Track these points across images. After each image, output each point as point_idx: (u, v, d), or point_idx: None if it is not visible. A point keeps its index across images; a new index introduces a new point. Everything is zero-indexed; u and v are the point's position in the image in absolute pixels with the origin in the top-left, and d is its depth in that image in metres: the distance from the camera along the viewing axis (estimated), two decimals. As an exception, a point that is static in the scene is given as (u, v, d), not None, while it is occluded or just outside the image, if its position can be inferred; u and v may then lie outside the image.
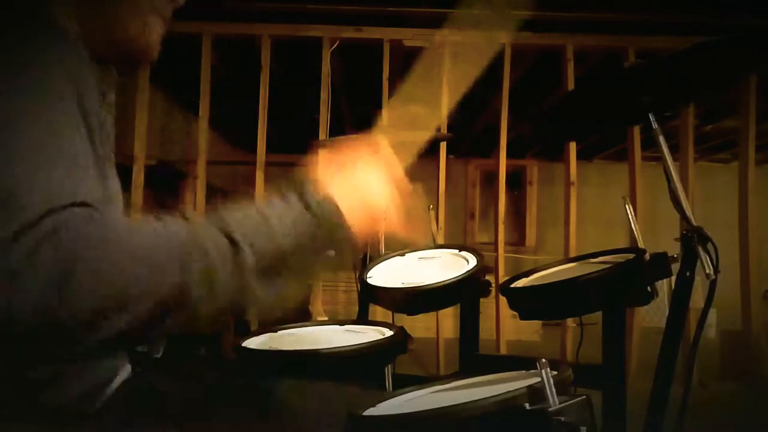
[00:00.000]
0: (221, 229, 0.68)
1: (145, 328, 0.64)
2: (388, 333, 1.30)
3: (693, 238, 1.24)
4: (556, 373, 0.75)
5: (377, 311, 1.87)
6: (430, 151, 5.54)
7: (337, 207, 0.75)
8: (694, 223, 1.26)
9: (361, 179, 0.80)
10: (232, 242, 0.67)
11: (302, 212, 0.73)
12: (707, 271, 1.22)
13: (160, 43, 0.91)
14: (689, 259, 1.25)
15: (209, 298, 0.65)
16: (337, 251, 0.77)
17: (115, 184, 0.86)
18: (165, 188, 4.80)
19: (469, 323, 1.65)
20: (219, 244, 0.67)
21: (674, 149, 2.94)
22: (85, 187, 0.66)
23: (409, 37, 3.81)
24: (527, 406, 0.71)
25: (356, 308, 1.83)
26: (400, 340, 1.27)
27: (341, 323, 1.47)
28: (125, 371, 0.89)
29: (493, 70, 3.90)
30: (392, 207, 0.82)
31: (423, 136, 1.11)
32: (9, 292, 0.59)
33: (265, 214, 0.72)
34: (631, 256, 1.37)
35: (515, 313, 1.47)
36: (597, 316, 1.40)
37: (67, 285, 0.59)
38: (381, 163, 0.83)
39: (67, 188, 0.64)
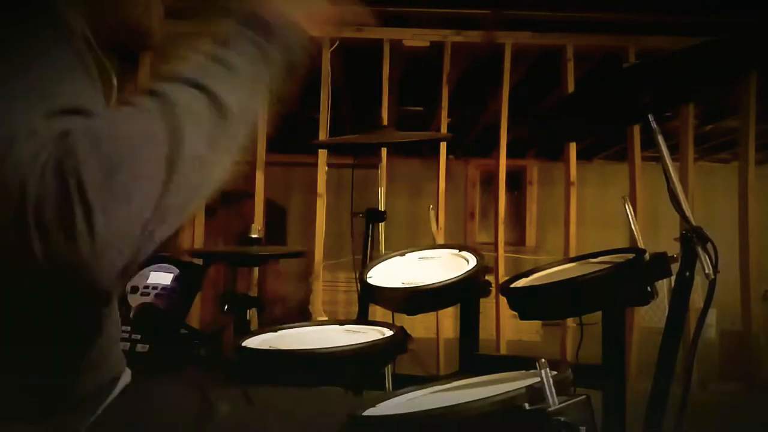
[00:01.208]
0: (190, 83, 0.67)
1: (167, 211, 0.62)
2: (388, 333, 1.30)
3: (692, 238, 1.24)
4: (555, 373, 0.75)
5: (377, 311, 1.87)
6: (430, 151, 5.55)
7: (288, 18, 0.74)
8: (694, 223, 1.26)
9: None
10: (205, 91, 0.66)
11: (257, 43, 0.72)
12: (707, 271, 1.22)
13: (160, 30, 0.90)
14: (689, 259, 1.25)
15: (205, 149, 0.65)
16: (294, 52, 0.76)
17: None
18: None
19: (469, 323, 1.65)
20: (192, 96, 0.66)
21: (674, 149, 2.95)
22: (79, 104, 0.65)
23: (409, 37, 3.82)
24: (527, 406, 0.71)
25: (356, 308, 1.83)
26: (400, 340, 1.27)
27: (341, 323, 1.47)
28: (127, 375, 0.89)
29: (494, 70, 3.91)
30: None
31: None
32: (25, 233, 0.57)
33: (219, 57, 0.70)
34: (631, 256, 1.37)
35: (515, 313, 1.47)
36: (597, 316, 1.40)
37: (85, 210, 0.57)
38: None
39: (62, 112, 0.62)
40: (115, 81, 0.84)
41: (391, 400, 0.93)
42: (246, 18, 0.73)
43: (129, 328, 1.39)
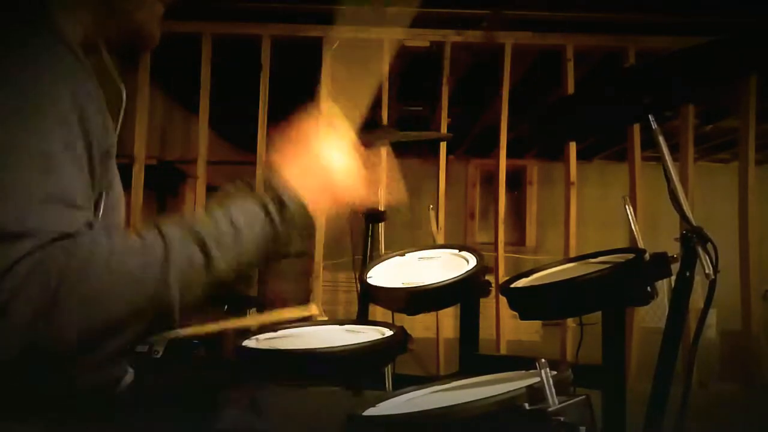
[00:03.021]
0: (196, 241, 0.72)
1: (128, 337, 0.70)
2: (388, 333, 1.30)
3: (693, 238, 1.24)
4: (555, 373, 0.75)
5: (377, 311, 1.87)
6: (430, 151, 5.55)
7: (304, 206, 0.79)
8: (694, 223, 1.26)
9: (320, 159, 0.82)
10: (206, 254, 0.72)
11: (269, 221, 0.78)
12: (707, 271, 1.21)
13: (160, 30, 0.93)
14: (689, 259, 1.25)
15: (183, 303, 0.71)
16: (303, 239, 0.82)
17: (116, 183, 0.87)
18: (165, 188, 4.80)
19: (469, 323, 1.65)
20: (194, 257, 0.72)
21: (674, 149, 2.94)
22: (76, 216, 0.70)
23: (409, 37, 3.81)
24: (527, 406, 0.71)
25: (356, 308, 1.83)
26: (400, 340, 1.27)
27: (341, 323, 1.47)
28: (129, 375, 0.89)
29: (494, 70, 3.91)
30: (354, 176, 0.84)
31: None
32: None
33: (236, 225, 0.75)
34: (631, 256, 1.37)
35: (515, 313, 1.47)
36: (597, 316, 1.40)
37: (55, 313, 0.63)
38: (333, 134, 0.85)
39: (55, 222, 0.67)
40: (122, 86, 0.86)
41: (391, 400, 0.93)
42: (266, 190, 0.79)
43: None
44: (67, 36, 0.79)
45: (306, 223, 0.80)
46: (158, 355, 0.96)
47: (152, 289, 0.68)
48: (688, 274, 1.25)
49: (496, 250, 3.93)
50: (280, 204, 0.78)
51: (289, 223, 0.78)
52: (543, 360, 0.71)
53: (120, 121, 0.92)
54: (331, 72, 3.45)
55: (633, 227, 1.44)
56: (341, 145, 0.84)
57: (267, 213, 0.77)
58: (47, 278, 0.63)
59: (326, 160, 0.82)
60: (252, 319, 1.16)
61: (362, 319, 1.68)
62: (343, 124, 0.87)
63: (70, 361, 0.68)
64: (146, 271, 0.69)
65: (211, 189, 3.92)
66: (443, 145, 3.86)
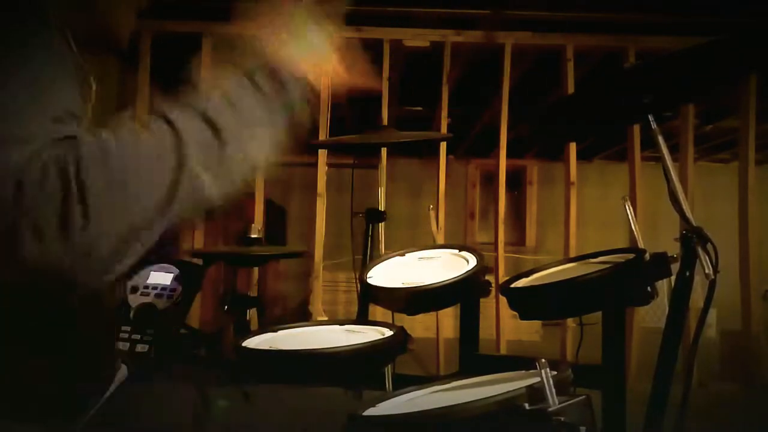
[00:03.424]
0: (201, 117, 0.72)
1: (167, 221, 0.68)
2: (388, 333, 1.30)
3: (693, 239, 1.23)
4: (555, 373, 0.75)
5: (377, 311, 1.87)
6: (430, 151, 5.55)
7: (296, 78, 0.79)
8: (694, 223, 1.26)
9: (300, 34, 0.82)
10: (214, 127, 0.71)
11: (267, 96, 0.77)
12: (707, 271, 1.21)
13: (130, 32, 0.93)
14: (689, 259, 1.24)
15: (205, 175, 0.70)
16: (300, 107, 0.81)
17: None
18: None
19: (469, 323, 1.65)
20: (204, 133, 0.71)
21: (674, 149, 2.95)
22: (71, 124, 0.68)
23: (409, 37, 3.82)
24: (527, 406, 0.71)
25: (356, 308, 1.83)
26: (400, 340, 1.27)
27: (341, 323, 1.47)
28: (122, 373, 0.89)
29: (494, 70, 3.91)
30: (329, 48, 0.85)
31: None
32: (12, 246, 0.59)
33: (236, 103, 0.75)
34: (631, 256, 1.37)
35: (515, 313, 1.47)
36: (597, 316, 1.40)
37: (84, 198, 0.61)
38: (305, 12, 0.85)
39: (53, 128, 0.65)
40: (93, 83, 0.85)
41: (391, 400, 0.93)
42: (259, 67, 0.78)
43: (129, 328, 1.39)
44: (54, 19, 0.80)
45: (302, 91, 0.80)
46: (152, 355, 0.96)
47: (174, 165, 0.67)
48: (688, 274, 1.25)
49: (496, 250, 3.93)
50: (271, 74, 0.78)
51: (285, 91, 0.78)
52: (543, 360, 0.72)
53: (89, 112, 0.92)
54: None
55: (633, 227, 1.44)
56: (317, 19, 0.85)
57: (256, 84, 0.77)
58: (64, 168, 0.61)
59: (311, 33, 0.83)
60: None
61: (362, 319, 1.68)
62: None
63: (103, 270, 0.64)
64: (161, 147, 0.68)
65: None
66: (443, 145, 3.87)
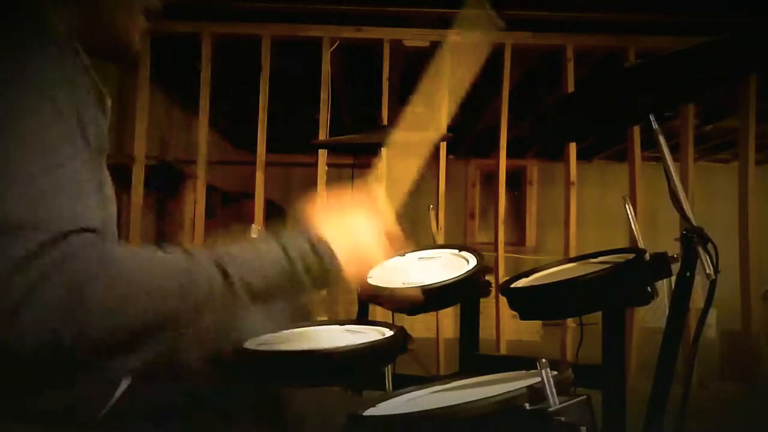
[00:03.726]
0: (216, 263, 0.71)
1: (142, 350, 0.68)
2: (388, 333, 1.30)
3: (693, 238, 1.23)
4: (556, 373, 0.75)
5: (377, 311, 1.87)
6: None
7: (332, 252, 0.78)
8: (694, 223, 1.26)
9: (356, 227, 0.82)
10: (225, 276, 0.71)
11: (293, 260, 0.76)
12: (707, 272, 1.21)
13: (141, 42, 0.93)
14: (689, 259, 1.24)
15: (198, 324, 0.70)
16: (328, 289, 0.82)
17: (107, 182, 0.87)
18: (165, 188, 4.80)
19: (469, 323, 1.65)
20: (213, 278, 0.71)
21: (674, 149, 2.94)
22: (88, 212, 0.68)
23: (409, 37, 3.81)
24: (527, 406, 0.71)
25: (356, 308, 1.83)
26: (400, 340, 1.27)
27: (341, 323, 1.47)
28: (126, 380, 0.89)
29: (494, 70, 3.91)
30: (380, 253, 0.84)
31: (429, 137, 1.13)
32: (11, 326, 0.60)
33: (260, 254, 0.75)
34: (631, 256, 1.37)
35: (515, 313, 1.47)
36: (597, 316, 1.40)
37: (77, 314, 0.61)
38: (375, 211, 0.86)
39: (69, 215, 0.65)
40: (105, 93, 0.85)
41: (391, 400, 0.93)
42: (300, 237, 0.77)
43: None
44: (58, 32, 0.79)
45: (333, 275, 0.79)
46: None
47: (171, 303, 0.67)
48: (688, 274, 1.25)
49: (496, 250, 3.93)
50: (312, 248, 0.76)
51: (314, 268, 0.77)
52: (543, 360, 0.71)
53: (109, 116, 0.91)
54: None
55: (633, 227, 1.44)
56: (378, 218, 0.85)
57: (289, 252, 0.76)
58: (70, 279, 0.61)
59: (362, 226, 0.83)
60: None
61: (362, 319, 1.68)
62: (387, 205, 0.89)
63: (85, 361, 0.66)
64: (171, 276, 0.68)
65: (211, 189, 3.92)
66: (443, 145, 3.86)
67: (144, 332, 0.66)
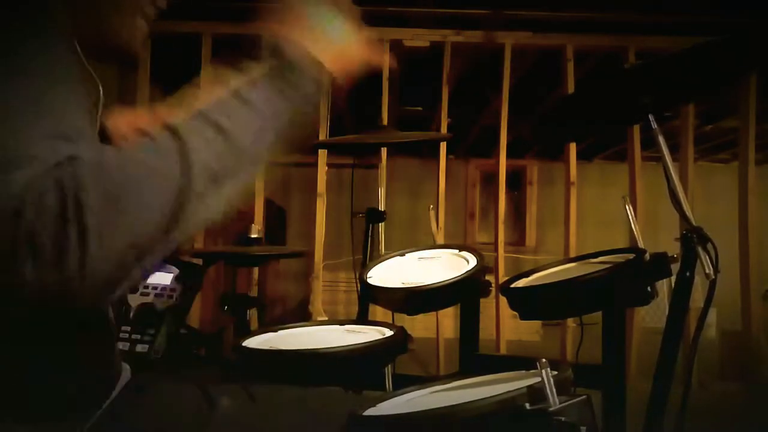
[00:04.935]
0: (205, 121, 0.68)
1: (161, 246, 0.64)
2: (388, 333, 1.30)
3: (693, 238, 1.23)
4: (556, 373, 0.75)
5: (377, 311, 1.87)
6: (430, 151, 5.55)
7: (316, 60, 0.76)
8: (694, 223, 1.26)
9: (325, 19, 0.81)
10: (220, 129, 0.68)
11: (280, 82, 0.74)
12: (707, 271, 1.21)
13: (143, 46, 0.92)
14: (689, 259, 1.25)
15: (213, 188, 0.67)
16: (317, 98, 0.78)
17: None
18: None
19: (469, 323, 1.65)
20: (209, 137, 0.67)
21: (674, 149, 2.95)
22: (75, 145, 0.65)
23: (409, 37, 3.81)
24: (527, 406, 0.71)
25: (356, 308, 1.83)
26: (400, 340, 1.27)
27: (341, 323, 1.47)
28: (126, 374, 0.89)
29: (494, 70, 3.91)
30: (358, 34, 0.83)
31: None
32: (24, 253, 0.58)
33: (244, 96, 0.72)
34: (631, 256, 1.37)
35: (515, 313, 1.47)
36: (597, 316, 1.40)
37: (83, 218, 0.58)
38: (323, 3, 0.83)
39: (56, 151, 0.63)
40: (101, 94, 0.85)
41: (391, 400, 0.93)
42: (272, 56, 0.75)
43: (129, 328, 1.39)
44: (60, 31, 0.79)
45: (321, 80, 0.77)
46: (159, 356, 0.96)
47: (178, 177, 0.64)
48: (688, 274, 1.25)
49: (496, 250, 3.93)
50: (290, 63, 0.75)
51: (302, 81, 0.75)
52: (544, 360, 0.71)
53: (98, 120, 0.91)
54: None
55: (633, 227, 1.44)
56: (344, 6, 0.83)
57: (275, 76, 0.74)
58: (63, 191, 0.59)
59: (331, 19, 0.81)
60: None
61: (362, 319, 1.69)
62: None
63: (108, 287, 0.62)
64: (165, 161, 0.64)
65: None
66: (443, 145, 3.87)
67: (159, 217, 0.63)
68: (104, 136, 0.94)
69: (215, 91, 0.73)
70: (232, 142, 0.68)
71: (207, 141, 0.67)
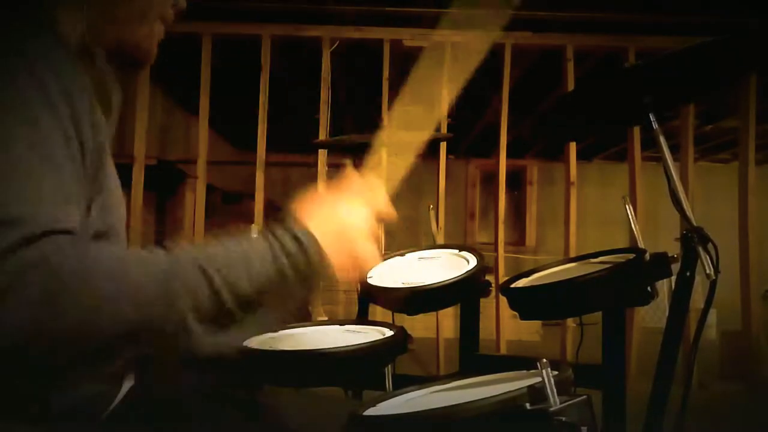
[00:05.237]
0: (200, 266, 0.69)
1: (117, 350, 0.68)
2: (388, 333, 1.30)
3: (693, 238, 1.23)
4: (556, 373, 0.75)
5: (377, 311, 1.87)
6: (430, 151, 5.55)
7: (318, 245, 0.74)
8: (694, 223, 1.26)
9: (346, 216, 0.79)
10: (209, 280, 0.69)
11: (281, 254, 0.73)
12: (707, 272, 1.21)
13: (158, 47, 0.92)
14: (689, 259, 1.24)
15: (180, 327, 0.68)
16: (313, 284, 0.77)
17: (113, 182, 0.86)
18: (165, 188, 4.80)
19: (469, 323, 1.65)
20: (197, 281, 0.68)
21: (674, 149, 2.95)
22: (69, 214, 0.68)
23: (409, 37, 3.81)
24: (528, 406, 0.71)
25: (356, 308, 1.83)
26: (400, 340, 1.27)
27: (341, 323, 1.47)
28: (130, 379, 0.89)
29: (494, 70, 3.91)
30: (371, 240, 0.81)
31: (423, 136, 1.10)
32: None
33: (246, 255, 0.72)
34: (631, 256, 1.36)
35: (515, 313, 1.47)
36: (597, 316, 1.40)
37: (53, 310, 0.61)
38: (368, 200, 0.82)
39: (53, 214, 0.65)
40: (114, 97, 0.85)
41: (391, 400, 0.93)
42: (286, 233, 0.74)
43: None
44: (63, 33, 0.79)
45: (318, 272, 0.75)
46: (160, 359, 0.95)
47: (149, 307, 0.65)
48: (688, 274, 1.25)
49: (496, 250, 3.93)
50: (297, 242, 0.73)
51: (303, 261, 0.73)
52: (544, 360, 0.71)
53: (115, 118, 0.91)
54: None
55: (633, 227, 1.44)
56: (370, 207, 0.82)
57: (275, 249, 0.73)
58: (46, 279, 0.61)
59: (351, 219, 0.79)
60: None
61: (362, 319, 1.68)
62: (381, 185, 0.86)
63: (62, 354, 0.65)
64: (150, 279, 0.66)
65: (211, 189, 3.92)
66: (443, 145, 3.87)
67: (119, 337, 0.65)
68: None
69: (220, 242, 0.73)
70: (215, 297, 0.69)
71: (194, 279, 0.68)
